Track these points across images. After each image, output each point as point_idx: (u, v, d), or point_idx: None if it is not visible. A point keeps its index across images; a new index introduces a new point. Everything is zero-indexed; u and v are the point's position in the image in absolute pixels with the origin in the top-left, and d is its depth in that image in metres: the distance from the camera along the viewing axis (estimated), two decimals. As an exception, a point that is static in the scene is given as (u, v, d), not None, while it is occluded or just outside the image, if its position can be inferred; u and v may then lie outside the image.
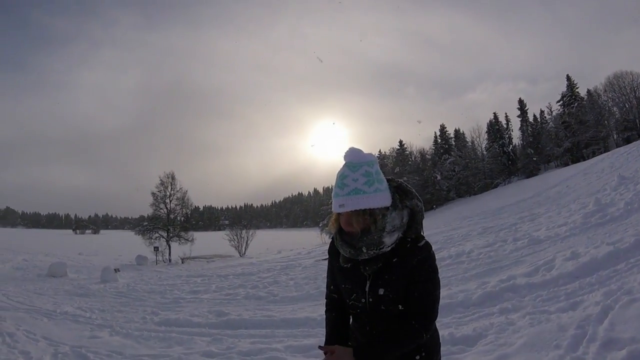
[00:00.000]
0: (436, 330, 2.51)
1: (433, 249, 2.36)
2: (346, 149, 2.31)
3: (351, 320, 2.55)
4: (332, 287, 2.64)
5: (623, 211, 13.37)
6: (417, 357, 2.34)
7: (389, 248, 2.24)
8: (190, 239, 46.26)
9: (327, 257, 2.65)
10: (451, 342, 6.30)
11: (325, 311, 2.69)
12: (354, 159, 2.25)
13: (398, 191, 2.35)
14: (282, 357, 7.10)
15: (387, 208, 2.24)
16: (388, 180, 2.35)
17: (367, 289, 2.32)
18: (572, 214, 16.77)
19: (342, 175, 2.24)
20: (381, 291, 2.27)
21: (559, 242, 12.38)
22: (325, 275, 2.73)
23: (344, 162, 2.29)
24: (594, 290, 7.31)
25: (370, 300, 2.31)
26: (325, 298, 2.72)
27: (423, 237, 2.34)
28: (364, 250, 2.23)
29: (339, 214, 2.30)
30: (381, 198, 2.22)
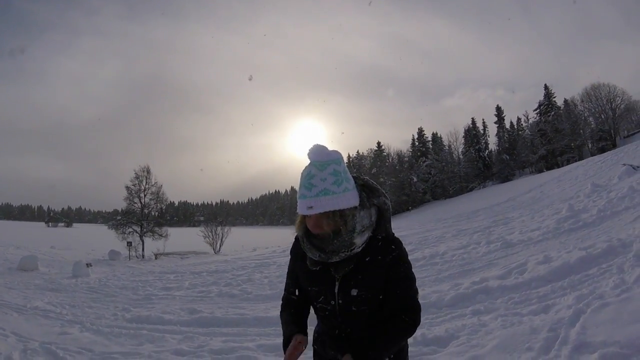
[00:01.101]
0: None
1: (404, 245, 2.33)
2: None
3: (317, 324, 2.53)
4: (291, 289, 2.58)
5: (596, 217, 13.58)
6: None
7: (360, 248, 2.19)
8: (164, 235, 45.78)
9: (290, 257, 2.59)
10: (423, 342, 6.31)
11: (281, 312, 2.62)
12: (320, 157, 2.15)
13: (365, 189, 2.28)
14: (253, 356, 7.05)
15: (355, 207, 2.18)
16: (354, 178, 2.28)
17: (336, 291, 2.26)
18: (545, 219, 16.99)
19: (308, 175, 2.13)
20: (354, 292, 2.21)
21: (531, 246, 12.52)
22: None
23: (309, 161, 2.19)
24: (566, 294, 7.39)
25: (340, 302, 2.26)
26: (282, 299, 2.66)
27: (393, 234, 2.31)
28: (335, 253, 2.17)
29: (304, 215, 2.21)
30: (350, 198, 2.15)
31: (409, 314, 2.24)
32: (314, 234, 2.23)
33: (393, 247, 2.24)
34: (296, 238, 2.46)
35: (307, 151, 2.17)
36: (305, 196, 2.11)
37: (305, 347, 2.37)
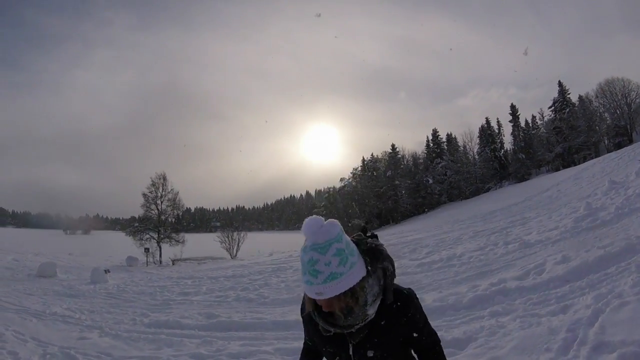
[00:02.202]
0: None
1: (416, 295, 2.29)
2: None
3: None
4: (309, 343, 2.57)
5: (614, 215, 13.42)
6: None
7: (374, 315, 2.13)
8: (181, 241, 46.03)
9: (303, 324, 2.51)
10: (442, 345, 6.28)
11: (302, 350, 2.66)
12: (320, 237, 2.02)
13: (368, 254, 2.16)
14: (271, 359, 7.07)
15: (364, 278, 2.08)
16: (356, 243, 2.17)
17: (351, 353, 2.22)
18: (563, 218, 16.83)
19: (311, 261, 2.00)
20: (370, 353, 2.19)
21: (549, 246, 12.40)
22: None
23: (305, 242, 2.06)
24: (584, 293, 7.32)
25: None
26: (303, 342, 2.66)
27: (403, 292, 2.26)
28: (350, 327, 2.11)
29: None
30: (358, 272, 2.05)
31: (436, 346, 2.35)
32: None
33: (407, 308, 2.21)
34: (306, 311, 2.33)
35: (303, 228, 2.07)
36: (312, 283, 2.01)
37: None
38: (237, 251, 48.18)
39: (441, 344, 2.38)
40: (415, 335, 2.24)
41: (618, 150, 45.23)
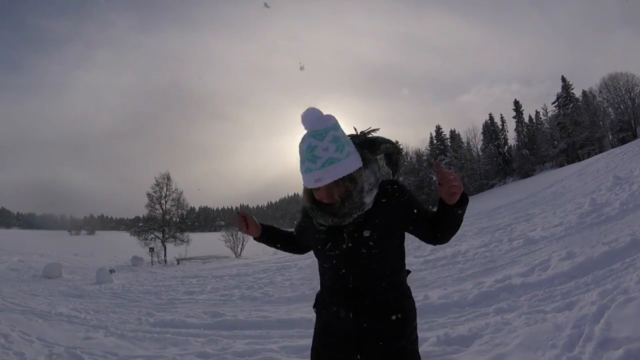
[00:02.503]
0: (412, 297, 2.45)
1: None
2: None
3: (321, 278, 2.51)
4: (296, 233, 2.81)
5: (618, 211, 13.39)
6: (393, 317, 2.27)
7: (371, 205, 2.19)
8: (185, 240, 46.15)
9: (300, 215, 2.66)
10: (447, 342, 6.27)
11: None
12: (317, 125, 2.12)
13: (364, 146, 2.29)
14: (277, 357, 7.07)
15: (361, 168, 2.17)
16: (351, 137, 2.28)
17: (345, 235, 2.24)
18: (567, 214, 16.80)
19: (309, 147, 2.10)
20: (366, 233, 2.20)
21: (554, 242, 12.38)
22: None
23: (305, 131, 2.17)
24: (589, 289, 7.30)
25: (350, 244, 2.23)
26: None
27: (397, 180, 2.37)
28: (348, 216, 2.17)
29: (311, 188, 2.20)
30: (354, 160, 2.14)
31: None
32: (323, 202, 2.21)
33: (403, 191, 2.29)
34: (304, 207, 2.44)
35: (301, 119, 2.16)
36: (311, 169, 2.09)
37: (247, 219, 2.85)
38: (241, 250, 48.18)
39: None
40: (416, 211, 2.29)
41: (622, 146, 45.23)
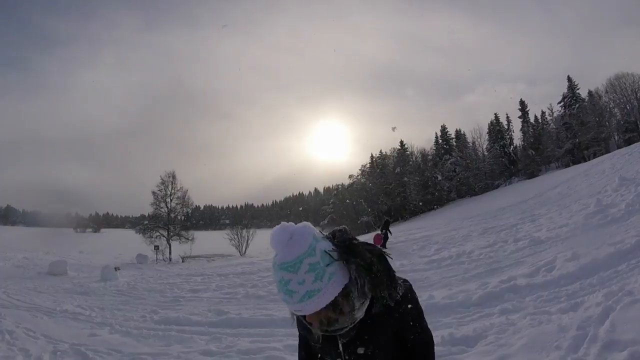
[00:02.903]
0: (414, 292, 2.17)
1: (413, 288, 2.13)
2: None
3: None
4: (303, 354, 2.47)
5: (624, 212, 13.35)
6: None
7: (364, 314, 1.97)
8: (190, 238, 46.28)
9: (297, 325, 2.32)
10: (451, 342, 6.28)
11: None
12: (287, 255, 1.82)
13: (348, 252, 1.91)
14: (281, 356, 7.09)
15: (347, 285, 1.88)
16: (333, 241, 1.94)
17: (340, 349, 2.08)
18: (573, 214, 16.75)
19: (282, 281, 1.82)
20: (360, 350, 2.05)
21: (559, 243, 12.35)
22: None
23: (275, 257, 1.87)
24: (595, 291, 7.29)
25: (347, 358, 2.08)
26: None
27: (399, 285, 2.06)
28: (339, 330, 1.98)
29: None
30: (338, 282, 1.85)
31: (424, 352, 2.17)
32: None
33: (400, 302, 2.04)
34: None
35: (270, 240, 1.88)
36: (289, 302, 1.84)
37: None
38: (246, 248, 48.35)
39: (434, 346, 2.21)
40: (404, 329, 2.09)
41: (628, 146, 44.99)
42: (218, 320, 10.05)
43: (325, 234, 2.01)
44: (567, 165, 63.14)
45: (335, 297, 1.84)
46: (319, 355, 2.31)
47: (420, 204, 74.51)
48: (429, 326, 2.21)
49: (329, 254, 1.85)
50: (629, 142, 55.99)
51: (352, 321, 1.95)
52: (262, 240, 49.50)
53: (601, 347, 4.80)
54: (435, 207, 72.04)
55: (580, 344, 5.04)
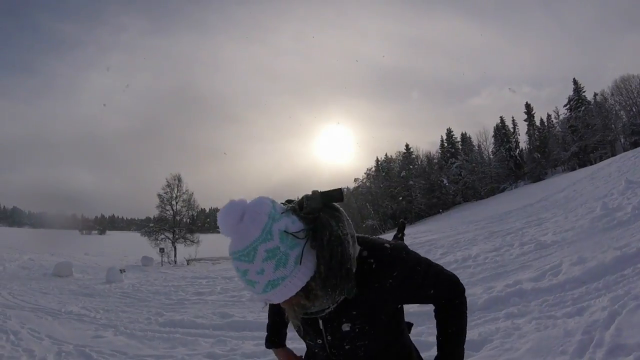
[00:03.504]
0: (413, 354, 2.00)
1: (409, 251, 1.82)
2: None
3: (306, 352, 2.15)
4: (274, 310, 2.32)
5: (630, 216, 13.27)
6: None
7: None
8: (195, 241, 46.45)
9: None
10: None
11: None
12: (238, 244, 1.53)
13: (314, 230, 1.58)
14: (285, 359, 7.08)
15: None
16: (300, 214, 1.62)
17: (321, 327, 1.81)
18: (579, 218, 16.69)
19: (238, 271, 1.56)
20: (346, 327, 1.75)
21: (565, 247, 12.29)
22: None
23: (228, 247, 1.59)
24: (600, 295, 7.24)
25: (329, 338, 1.81)
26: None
27: (387, 248, 1.77)
28: (320, 312, 1.71)
29: None
30: (307, 266, 1.54)
31: (452, 295, 1.91)
32: None
33: (392, 266, 1.74)
34: None
35: (218, 222, 1.58)
36: (253, 292, 1.59)
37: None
38: (251, 251, 48.35)
39: (461, 290, 1.94)
40: (413, 292, 1.81)
41: (634, 149, 44.86)
42: (223, 323, 10.05)
43: (291, 204, 1.68)
44: (573, 169, 63.17)
45: (307, 283, 1.55)
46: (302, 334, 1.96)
47: (423, 207, 74.52)
48: (433, 330, 1.95)
49: (293, 235, 1.53)
50: (635, 145, 56.00)
51: (333, 301, 1.67)
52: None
53: (607, 351, 4.78)
54: (440, 210, 72.01)
55: (586, 348, 5.02)
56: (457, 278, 1.93)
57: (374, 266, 1.71)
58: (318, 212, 1.60)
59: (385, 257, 1.73)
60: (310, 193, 1.69)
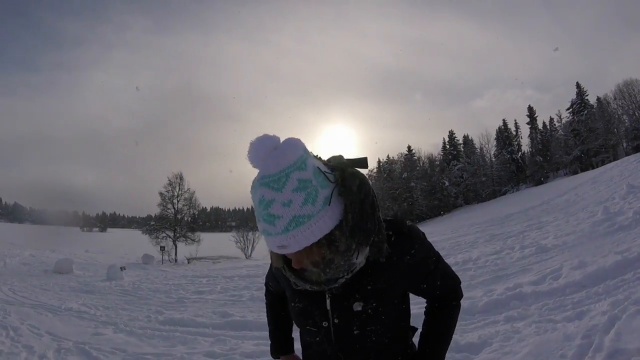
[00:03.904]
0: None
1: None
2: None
3: (307, 345, 1.89)
4: (270, 283, 2.15)
5: (632, 220, 13.26)
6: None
7: (364, 262, 1.56)
8: (196, 240, 46.42)
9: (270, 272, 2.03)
10: (455, 349, 6.25)
11: (265, 294, 2.27)
12: (272, 166, 1.39)
13: (344, 179, 1.46)
14: (285, 359, 7.08)
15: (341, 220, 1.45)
16: (329, 166, 1.50)
17: (328, 307, 1.64)
18: (580, 222, 16.68)
19: (262, 202, 1.39)
20: (358, 306, 1.60)
21: (566, 251, 12.28)
22: None
23: (254, 179, 1.45)
24: (600, 299, 7.24)
25: (336, 321, 1.64)
26: (264, 285, 2.26)
27: (405, 224, 1.66)
28: (332, 282, 1.57)
29: None
30: (335, 210, 1.42)
31: (452, 296, 1.83)
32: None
33: (411, 241, 1.65)
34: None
35: (248, 154, 1.45)
36: (270, 233, 1.40)
37: None
38: (251, 251, 48.38)
39: (461, 298, 1.88)
40: (423, 277, 1.72)
41: (637, 154, 44.86)
42: (222, 322, 10.05)
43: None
44: (575, 173, 63.15)
45: (332, 231, 1.42)
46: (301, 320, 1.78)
47: (424, 209, 74.48)
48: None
49: (325, 175, 1.43)
50: (637, 149, 55.98)
51: (349, 268, 1.55)
52: (268, 243, 49.64)
53: (606, 356, 4.77)
54: (442, 212, 72.01)
55: (585, 352, 5.01)
56: (460, 281, 1.87)
57: (393, 239, 1.60)
58: (345, 167, 1.50)
59: (405, 231, 1.65)
60: None
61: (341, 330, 1.64)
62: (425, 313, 1.85)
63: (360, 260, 1.53)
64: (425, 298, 1.85)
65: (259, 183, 1.40)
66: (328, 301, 1.63)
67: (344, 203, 1.44)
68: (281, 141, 1.44)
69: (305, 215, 1.35)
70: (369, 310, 1.60)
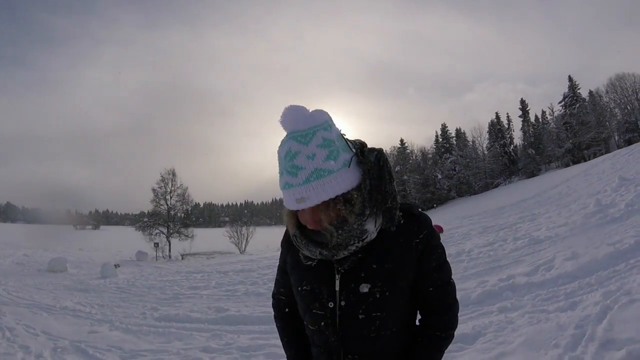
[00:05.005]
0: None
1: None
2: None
3: (311, 342, 1.84)
4: (282, 288, 2.03)
5: (623, 212, 13.35)
6: None
7: (375, 234, 1.60)
8: (190, 236, 46.27)
9: (280, 249, 1.98)
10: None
11: (275, 316, 2.12)
12: (300, 124, 1.53)
13: (363, 151, 1.62)
14: (281, 353, 7.05)
15: (361, 183, 1.57)
16: (350, 142, 1.63)
17: (337, 289, 1.64)
18: (572, 214, 16.76)
19: (289, 154, 1.51)
20: (365, 287, 1.60)
21: (559, 242, 12.34)
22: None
23: (285, 133, 1.58)
24: (593, 290, 7.30)
25: (343, 303, 1.63)
26: (272, 297, 2.15)
27: (415, 207, 1.73)
28: (343, 247, 1.58)
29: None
30: (353, 172, 1.55)
31: (442, 324, 1.72)
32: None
33: (421, 223, 1.68)
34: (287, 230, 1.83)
35: (281, 118, 1.58)
36: (291, 185, 1.50)
37: None
38: (245, 246, 48.34)
39: (451, 338, 1.75)
40: (423, 274, 1.69)
41: (628, 147, 45.09)
42: (218, 317, 10.07)
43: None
44: (567, 165, 63.41)
45: (348, 190, 1.53)
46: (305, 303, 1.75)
47: (417, 201, 74.52)
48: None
49: (347, 142, 1.60)
50: (629, 142, 56.24)
51: (361, 233, 1.57)
52: (261, 238, 49.60)
53: (599, 345, 4.83)
54: (434, 205, 72.20)
55: (578, 342, 5.06)
56: (459, 309, 1.79)
57: (402, 220, 1.65)
58: (365, 145, 1.67)
59: (415, 213, 1.70)
60: None
61: (347, 314, 1.63)
62: (415, 333, 1.76)
63: (370, 228, 1.59)
64: (419, 305, 1.76)
65: (288, 137, 1.54)
66: (337, 282, 1.64)
67: (363, 170, 1.58)
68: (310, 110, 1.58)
69: (326, 170, 1.48)
70: (376, 293, 1.60)
